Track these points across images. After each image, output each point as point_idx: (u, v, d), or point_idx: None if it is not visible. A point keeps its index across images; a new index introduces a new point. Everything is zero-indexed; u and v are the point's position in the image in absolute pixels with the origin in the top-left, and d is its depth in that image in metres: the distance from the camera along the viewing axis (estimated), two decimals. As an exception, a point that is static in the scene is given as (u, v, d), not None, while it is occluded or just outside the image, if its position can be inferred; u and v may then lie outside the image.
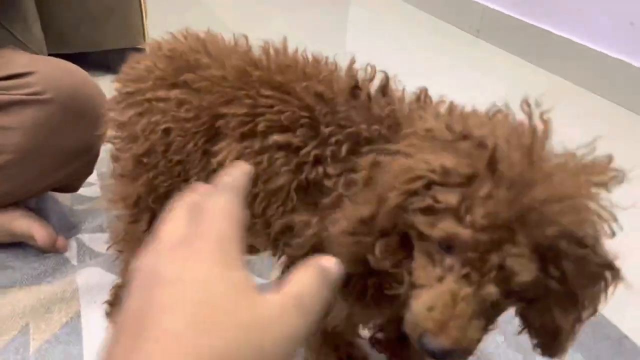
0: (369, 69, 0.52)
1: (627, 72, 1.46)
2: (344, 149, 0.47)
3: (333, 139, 0.48)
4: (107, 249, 0.76)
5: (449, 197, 0.35)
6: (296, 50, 0.56)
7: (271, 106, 0.51)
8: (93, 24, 1.34)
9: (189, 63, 0.56)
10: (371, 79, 0.52)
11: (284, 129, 0.50)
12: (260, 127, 0.51)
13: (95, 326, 0.74)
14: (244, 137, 0.52)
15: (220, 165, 0.53)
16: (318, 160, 0.49)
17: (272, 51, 0.55)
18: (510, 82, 1.61)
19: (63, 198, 0.98)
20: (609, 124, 1.41)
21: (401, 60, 1.75)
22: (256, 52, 0.57)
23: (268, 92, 0.51)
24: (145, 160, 0.59)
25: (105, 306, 0.75)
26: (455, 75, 1.63)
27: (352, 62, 0.53)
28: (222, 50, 0.57)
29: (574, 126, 1.39)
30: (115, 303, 0.74)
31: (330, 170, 0.48)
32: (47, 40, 1.01)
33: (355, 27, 2.11)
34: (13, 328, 0.73)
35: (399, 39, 1.94)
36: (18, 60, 0.78)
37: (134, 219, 0.65)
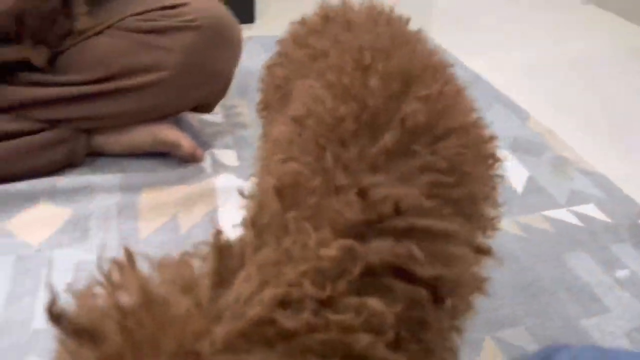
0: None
1: None
2: None
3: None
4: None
5: None
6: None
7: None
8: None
9: (326, 32, 0.51)
10: None
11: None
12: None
13: (231, 217, 0.89)
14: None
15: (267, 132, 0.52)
16: None
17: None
18: (618, 45, 1.60)
19: (192, 122, 1.14)
20: None
21: (506, 26, 1.78)
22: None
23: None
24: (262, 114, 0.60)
25: (240, 199, 0.90)
26: (563, 42, 1.64)
27: None
28: (372, 33, 0.47)
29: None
30: (249, 196, 0.88)
31: None
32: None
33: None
34: (165, 215, 0.90)
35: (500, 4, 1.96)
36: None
37: None
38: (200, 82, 0.94)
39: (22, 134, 0.94)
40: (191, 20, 0.89)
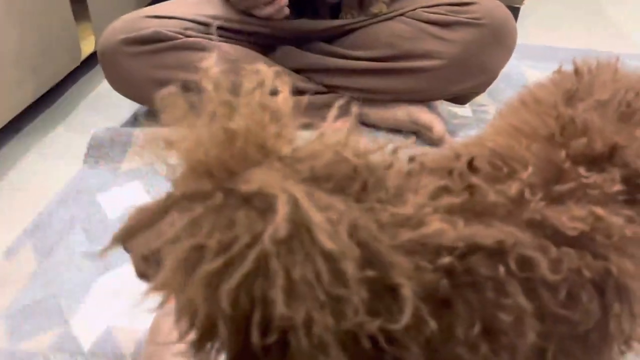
0: None
1: None
2: None
3: None
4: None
5: None
6: None
7: None
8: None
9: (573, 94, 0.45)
10: None
11: None
12: None
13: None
14: None
15: None
16: None
17: None
18: None
19: (442, 111, 1.23)
20: None
21: None
22: None
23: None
24: None
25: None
26: None
27: None
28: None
29: None
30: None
31: None
32: None
33: None
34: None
35: None
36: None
37: None
38: (469, 76, 1.02)
39: (306, 92, 1.13)
40: (477, 18, 0.97)
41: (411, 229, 0.29)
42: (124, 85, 1.09)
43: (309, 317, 0.25)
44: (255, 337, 0.25)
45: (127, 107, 1.23)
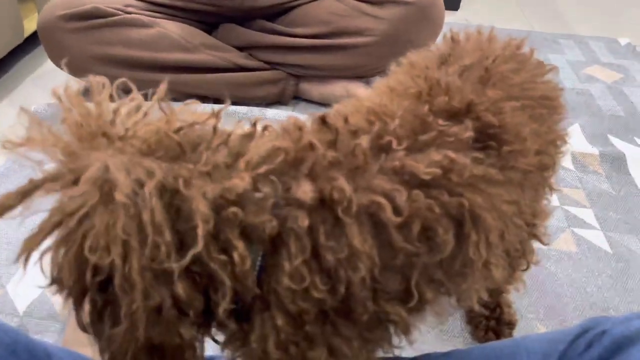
0: None
1: None
2: None
3: None
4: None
5: None
6: None
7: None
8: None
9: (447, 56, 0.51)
10: None
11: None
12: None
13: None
14: None
15: None
16: None
17: None
18: None
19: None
20: None
21: None
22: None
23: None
24: None
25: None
26: None
27: None
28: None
29: None
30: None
31: None
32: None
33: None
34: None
35: None
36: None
37: None
38: (399, 52, 1.06)
39: (249, 69, 1.17)
40: (406, -3, 1.02)
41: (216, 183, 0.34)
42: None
43: (113, 262, 0.31)
44: (88, 277, 0.32)
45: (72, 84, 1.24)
